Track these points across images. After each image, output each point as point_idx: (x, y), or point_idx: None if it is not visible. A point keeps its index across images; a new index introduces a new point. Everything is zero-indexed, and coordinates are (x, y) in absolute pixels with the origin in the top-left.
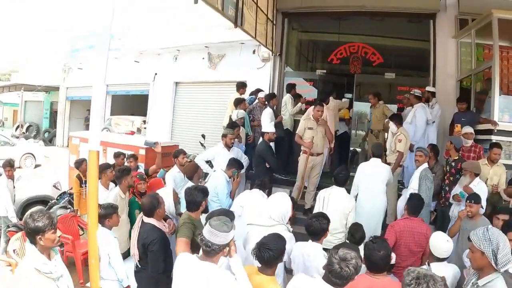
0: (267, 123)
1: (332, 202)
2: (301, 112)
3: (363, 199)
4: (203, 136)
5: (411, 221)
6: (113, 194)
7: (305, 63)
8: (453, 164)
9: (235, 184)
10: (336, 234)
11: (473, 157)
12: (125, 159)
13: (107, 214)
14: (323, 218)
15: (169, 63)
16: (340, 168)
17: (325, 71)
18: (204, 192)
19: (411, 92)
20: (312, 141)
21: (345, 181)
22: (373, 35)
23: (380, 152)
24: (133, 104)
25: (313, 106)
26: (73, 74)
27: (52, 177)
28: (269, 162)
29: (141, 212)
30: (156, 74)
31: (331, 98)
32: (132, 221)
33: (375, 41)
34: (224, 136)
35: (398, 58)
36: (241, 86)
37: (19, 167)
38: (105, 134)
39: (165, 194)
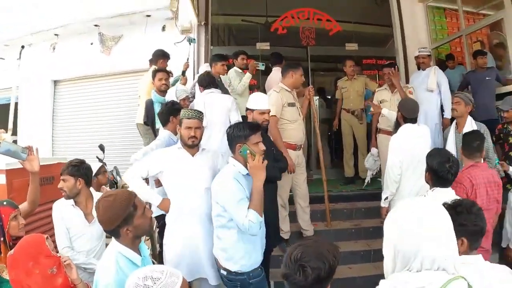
0: (253, 98)
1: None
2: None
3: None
4: (101, 147)
5: (480, 168)
6: None
7: (240, 36)
8: None
9: (255, 168)
10: None
11: None
12: None
13: None
14: None
15: (45, 56)
16: (440, 156)
17: (268, 44)
18: None
19: (427, 53)
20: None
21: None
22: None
23: (416, 115)
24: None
25: (285, 69)
26: None
27: None
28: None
29: None
30: (23, 47)
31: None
32: None
33: (330, 8)
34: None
35: (359, 26)
36: (161, 55)
37: None
38: None
39: None
